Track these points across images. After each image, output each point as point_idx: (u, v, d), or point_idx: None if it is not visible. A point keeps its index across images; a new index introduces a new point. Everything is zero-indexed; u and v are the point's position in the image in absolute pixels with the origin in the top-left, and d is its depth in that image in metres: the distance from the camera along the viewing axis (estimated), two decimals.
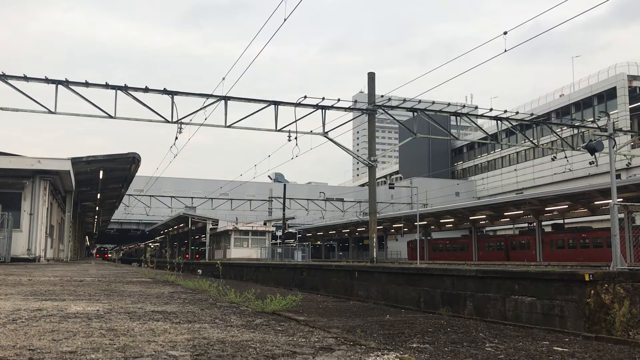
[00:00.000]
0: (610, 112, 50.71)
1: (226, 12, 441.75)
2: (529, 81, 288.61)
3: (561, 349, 6.18)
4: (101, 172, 27.91)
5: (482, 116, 28.76)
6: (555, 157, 34.49)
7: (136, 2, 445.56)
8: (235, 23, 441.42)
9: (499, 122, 27.54)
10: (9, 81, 20.20)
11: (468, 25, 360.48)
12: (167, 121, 21.81)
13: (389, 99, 24.47)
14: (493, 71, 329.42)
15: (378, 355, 3.00)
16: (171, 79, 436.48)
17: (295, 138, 22.75)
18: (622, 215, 25.83)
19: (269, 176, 70.28)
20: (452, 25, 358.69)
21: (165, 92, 21.80)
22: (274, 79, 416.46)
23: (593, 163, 27.67)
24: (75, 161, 23.32)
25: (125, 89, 21.20)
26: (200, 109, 22.33)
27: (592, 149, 16.80)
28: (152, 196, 54.22)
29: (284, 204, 48.20)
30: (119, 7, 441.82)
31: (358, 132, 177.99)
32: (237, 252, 45.17)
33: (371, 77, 24.07)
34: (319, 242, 79.20)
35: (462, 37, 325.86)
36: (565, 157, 33.97)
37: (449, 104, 26.96)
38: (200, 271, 33.96)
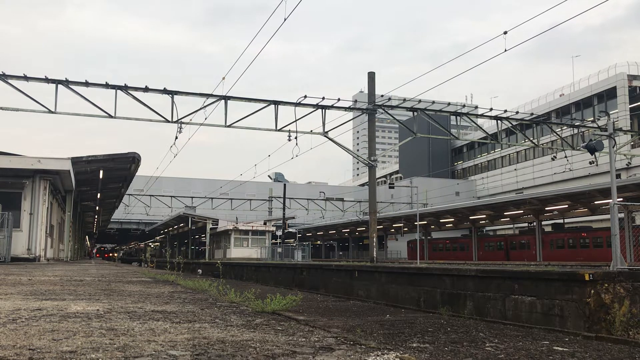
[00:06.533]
0: (610, 112, 50.66)
1: (245, 14, 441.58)
2: (543, 82, 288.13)
3: (561, 349, 6.18)
4: (101, 172, 27.90)
5: (482, 116, 28.75)
6: (555, 157, 34.48)
7: (151, 1, 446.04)
8: (253, 25, 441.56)
9: (499, 121, 27.54)
10: (9, 81, 20.19)
11: (487, 25, 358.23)
12: (167, 121, 21.81)
13: (389, 99, 24.47)
14: (505, 71, 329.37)
15: (378, 355, 3.00)
16: (181, 78, 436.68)
17: (295, 138, 22.76)
18: (622, 215, 25.81)
19: (269, 176, 70.28)
20: (470, 25, 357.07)
21: (165, 91, 21.80)
22: (286, 78, 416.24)
23: (593, 163, 27.65)
24: (75, 161, 23.31)
25: (125, 88, 21.19)
26: (200, 108, 22.34)
27: (592, 149, 16.79)
28: (152, 196, 54.20)
29: (284, 203, 48.19)
30: (131, 6, 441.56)
31: (358, 132, 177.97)
32: (237, 252, 45.16)
33: (371, 76, 24.07)
34: (319, 242, 79.19)
35: (481, 37, 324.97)
36: (565, 156, 33.96)
37: (449, 104, 26.95)
38: (200, 271, 33.98)
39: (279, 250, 43.47)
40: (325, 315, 9.71)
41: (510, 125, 30.69)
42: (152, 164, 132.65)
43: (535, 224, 40.81)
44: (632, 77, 58.37)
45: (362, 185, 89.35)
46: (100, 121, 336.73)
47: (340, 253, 76.90)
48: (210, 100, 22.42)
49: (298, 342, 3.41)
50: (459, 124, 31.45)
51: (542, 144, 37.96)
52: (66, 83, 20.65)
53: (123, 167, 28.20)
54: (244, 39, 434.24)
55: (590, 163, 28.88)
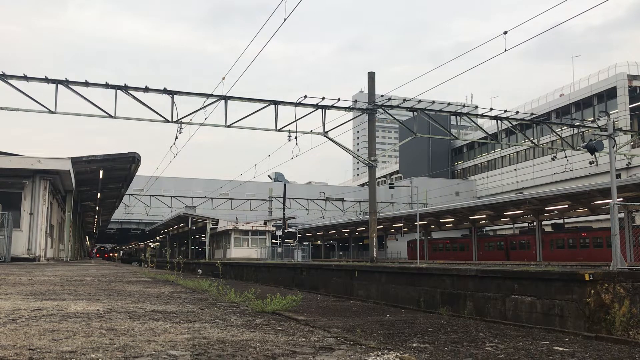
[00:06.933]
0: (610, 112, 50.68)
1: (246, 14, 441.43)
2: (543, 82, 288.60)
3: (561, 349, 6.19)
4: (101, 172, 27.90)
5: (482, 116, 28.75)
6: (555, 157, 34.48)
7: (151, 1, 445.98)
8: (254, 25, 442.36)
9: (499, 121, 27.54)
10: (9, 81, 20.20)
11: (489, 25, 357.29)
12: (167, 121, 21.81)
13: (389, 99, 24.47)
14: (505, 71, 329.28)
15: (378, 355, 3.00)
16: (181, 78, 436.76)
17: (295, 138, 22.77)
18: (622, 215, 25.83)
19: (269, 176, 70.28)
20: (471, 25, 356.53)
21: (165, 91, 21.80)
22: (286, 78, 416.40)
23: (593, 163, 27.65)
24: (75, 161, 23.31)
25: (125, 88, 21.20)
26: (200, 108, 22.35)
27: (592, 149, 16.80)
28: (152, 196, 54.21)
29: (284, 203, 48.19)
30: (132, 6, 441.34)
31: (358, 132, 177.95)
32: (237, 252, 45.15)
33: (371, 76, 24.07)
34: (319, 242, 79.19)
35: (483, 37, 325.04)
36: (565, 156, 33.97)
37: (449, 104, 26.96)
38: (200, 271, 33.98)
39: (279, 250, 43.47)
40: (325, 315, 9.72)
41: (510, 125, 30.70)
42: (152, 164, 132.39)
43: (535, 224, 40.81)
44: (632, 77, 58.36)
45: (362, 185, 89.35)
46: (100, 121, 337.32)
47: (340, 253, 76.90)
48: (211, 100, 22.43)
49: (298, 342, 3.41)
50: (459, 124, 31.47)
51: (542, 144, 37.96)
52: (66, 83, 20.66)
53: (123, 167, 28.20)
54: (245, 39, 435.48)
55: (590, 163, 28.88)
